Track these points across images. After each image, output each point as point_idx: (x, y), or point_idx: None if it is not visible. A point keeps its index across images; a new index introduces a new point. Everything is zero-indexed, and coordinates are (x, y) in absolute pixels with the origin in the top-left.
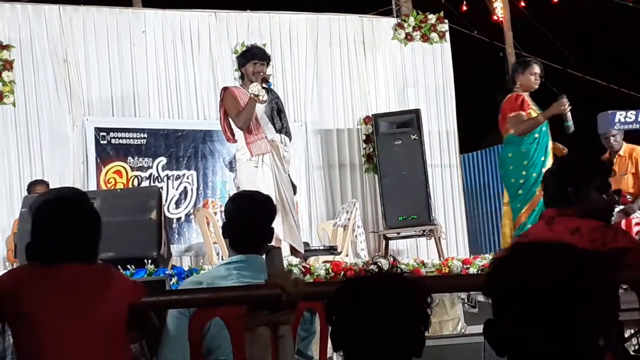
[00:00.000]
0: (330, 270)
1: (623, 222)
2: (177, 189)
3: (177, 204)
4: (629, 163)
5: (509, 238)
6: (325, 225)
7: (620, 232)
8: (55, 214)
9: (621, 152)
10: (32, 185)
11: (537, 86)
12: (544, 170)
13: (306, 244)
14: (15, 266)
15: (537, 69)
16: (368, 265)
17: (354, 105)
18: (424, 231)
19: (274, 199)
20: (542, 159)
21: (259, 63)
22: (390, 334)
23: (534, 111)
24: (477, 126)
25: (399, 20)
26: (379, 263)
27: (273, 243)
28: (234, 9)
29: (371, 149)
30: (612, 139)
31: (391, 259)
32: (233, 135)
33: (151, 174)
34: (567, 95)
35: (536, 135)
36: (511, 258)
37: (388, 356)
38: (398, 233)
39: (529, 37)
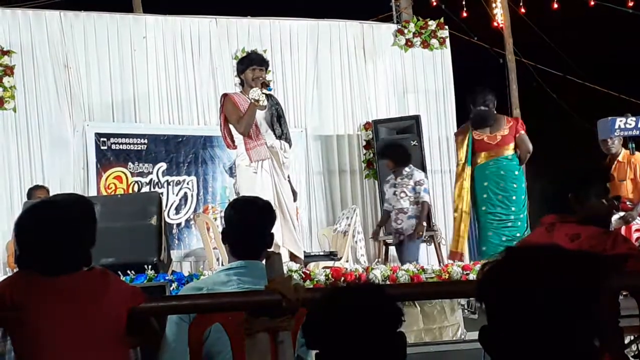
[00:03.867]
0: (330, 276)
1: (623, 228)
2: (177, 195)
3: (177, 210)
4: (627, 169)
5: None
6: (326, 231)
7: (620, 238)
8: (37, 228)
9: (620, 158)
10: (32, 191)
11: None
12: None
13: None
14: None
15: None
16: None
17: (354, 111)
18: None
19: (273, 205)
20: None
21: (258, 68)
22: (365, 345)
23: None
24: None
25: (399, 27)
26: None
27: (272, 249)
28: (234, 15)
29: (371, 155)
30: (609, 141)
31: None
32: (233, 141)
33: (151, 179)
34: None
35: None
36: (504, 263)
37: None
38: None
39: (529, 43)
